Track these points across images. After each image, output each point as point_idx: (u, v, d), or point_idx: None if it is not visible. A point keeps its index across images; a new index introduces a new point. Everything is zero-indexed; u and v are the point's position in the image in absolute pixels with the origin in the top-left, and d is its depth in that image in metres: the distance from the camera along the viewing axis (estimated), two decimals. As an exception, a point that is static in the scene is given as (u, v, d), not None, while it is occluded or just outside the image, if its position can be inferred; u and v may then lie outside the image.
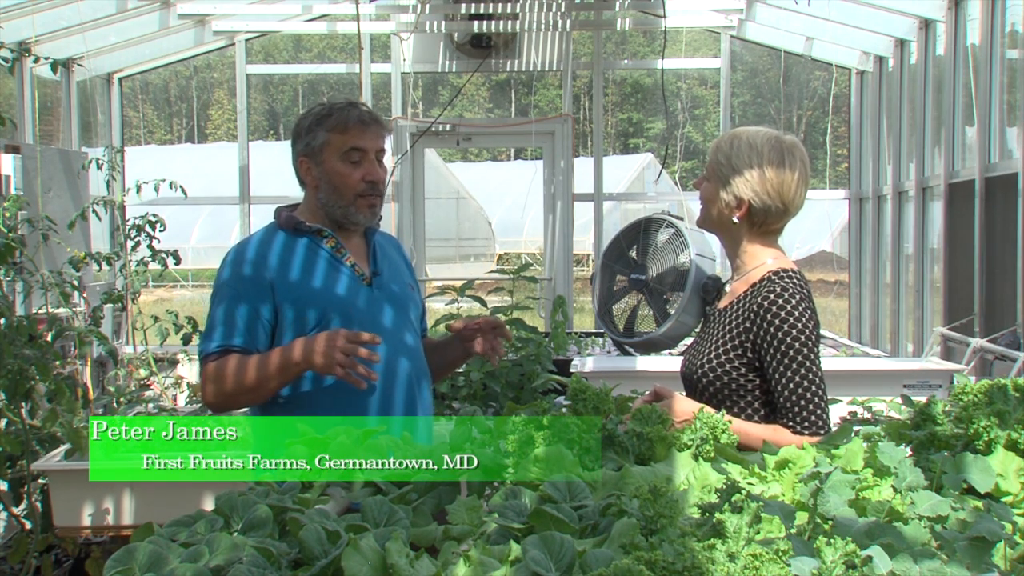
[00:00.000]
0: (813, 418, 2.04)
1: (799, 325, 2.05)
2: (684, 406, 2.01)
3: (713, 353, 2.15)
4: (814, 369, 2.06)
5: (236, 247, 2.37)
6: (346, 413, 2.23)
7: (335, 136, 2.33)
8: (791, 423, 2.04)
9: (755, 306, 2.09)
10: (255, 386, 2.22)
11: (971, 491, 1.45)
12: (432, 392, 2.48)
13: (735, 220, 2.17)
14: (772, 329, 2.06)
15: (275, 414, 2.26)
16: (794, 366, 2.05)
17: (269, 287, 2.27)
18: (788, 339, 2.05)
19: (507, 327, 2.46)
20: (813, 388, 2.05)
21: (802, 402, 2.04)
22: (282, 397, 2.27)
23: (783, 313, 2.06)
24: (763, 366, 2.09)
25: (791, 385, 2.05)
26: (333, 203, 2.35)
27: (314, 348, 2.14)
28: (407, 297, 2.45)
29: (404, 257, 2.59)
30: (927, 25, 6.11)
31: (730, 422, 1.72)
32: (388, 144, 2.42)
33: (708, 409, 1.78)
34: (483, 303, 4.10)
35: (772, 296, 2.08)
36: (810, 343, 2.06)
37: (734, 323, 2.14)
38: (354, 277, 2.35)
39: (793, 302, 2.07)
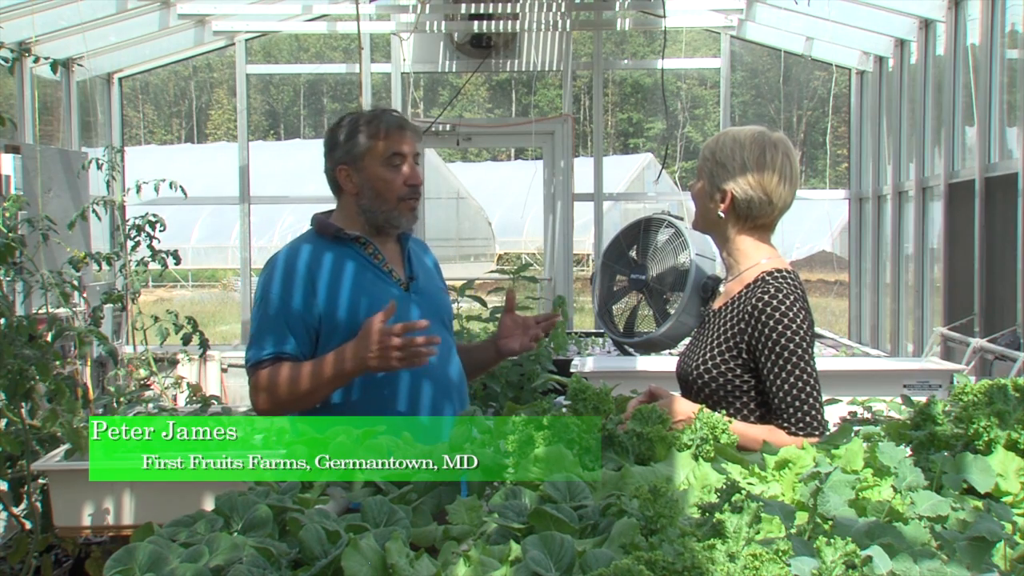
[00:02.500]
0: (808, 419, 2.04)
1: (793, 326, 2.05)
2: (683, 407, 2.01)
3: (708, 354, 2.15)
4: (809, 370, 2.06)
5: (276, 256, 2.41)
6: (387, 413, 2.30)
7: (376, 142, 2.37)
8: (786, 424, 2.05)
9: (749, 307, 2.09)
10: (308, 394, 2.26)
11: (971, 491, 1.45)
12: (468, 392, 2.51)
13: (720, 214, 2.18)
14: (766, 330, 2.05)
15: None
16: (789, 367, 2.05)
17: (313, 297, 2.32)
18: (783, 340, 2.05)
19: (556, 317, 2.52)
20: (808, 389, 2.05)
21: (797, 403, 2.04)
22: (331, 405, 2.32)
23: (777, 314, 2.06)
24: (758, 367, 2.09)
25: (786, 386, 2.05)
26: (376, 208, 2.39)
27: (365, 351, 2.16)
28: (441, 300, 2.51)
29: (433, 260, 2.63)
30: (927, 25, 6.11)
31: (729, 422, 1.72)
32: (419, 146, 2.48)
33: (707, 409, 1.78)
34: (483, 303, 4.10)
35: (766, 297, 2.07)
36: (805, 344, 2.06)
37: (729, 324, 2.14)
38: (393, 283, 2.40)
39: (787, 303, 2.06)
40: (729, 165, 2.14)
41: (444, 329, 2.46)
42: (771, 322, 2.05)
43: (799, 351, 2.05)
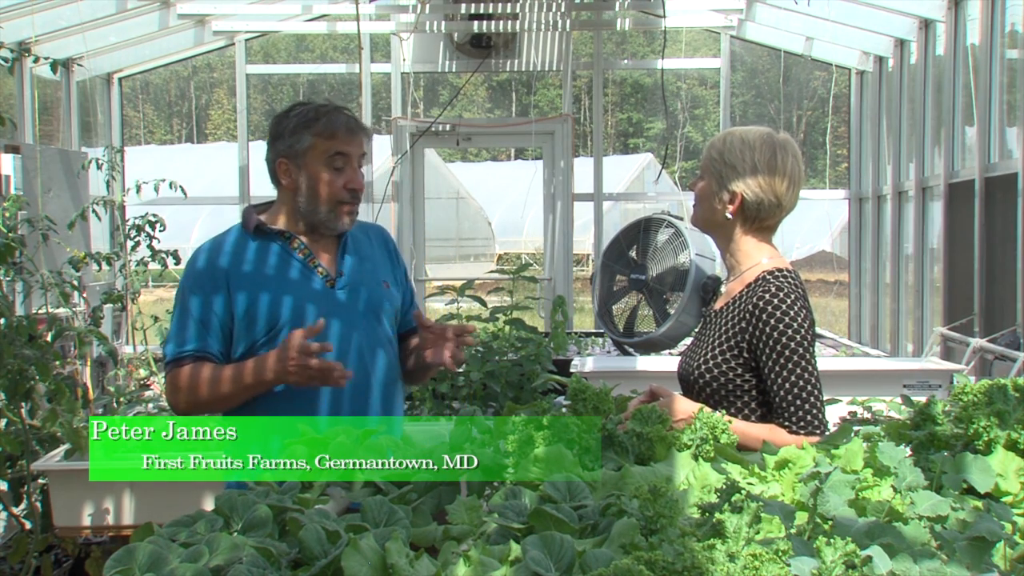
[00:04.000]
0: (809, 418, 2.04)
1: (794, 325, 2.05)
2: (683, 406, 2.01)
3: (710, 354, 2.15)
4: (810, 369, 2.06)
5: (198, 249, 2.35)
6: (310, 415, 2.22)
7: (321, 141, 2.28)
8: (787, 423, 2.04)
9: (751, 306, 2.09)
10: (227, 397, 2.22)
11: (971, 491, 1.45)
12: (401, 392, 2.41)
13: (728, 215, 2.17)
14: (768, 329, 2.05)
15: (244, 412, 2.25)
16: (790, 366, 2.05)
17: (226, 291, 2.25)
18: (784, 339, 2.05)
19: (469, 334, 2.34)
20: (809, 388, 2.05)
21: (798, 402, 2.04)
22: (254, 402, 2.25)
23: (779, 313, 2.06)
24: (759, 366, 2.09)
25: (787, 385, 2.05)
26: (312, 209, 2.31)
27: (284, 366, 2.12)
28: (377, 296, 2.38)
29: (388, 249, 2.51)
30: (927, 25, 6.11)
31: (729, 422, 1.72)
32: (368, 147, 2.41)
33: (707, 409, 1.78)
34: (483, 303, 4.10)
35: (767, 296, 2.07)
36: (806, 343, 2.06)
37: (730, 323, 2.14)
38: (316, 280, 2.31)
39: (788, 301, 2.07)
40: (739, 166, 2.13)
41: (372, 324, 2.35)
42: (772, 321, 2.05)
43: (800, 350, 2.05)
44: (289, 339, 2.11)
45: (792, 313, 2.06)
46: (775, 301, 2.07)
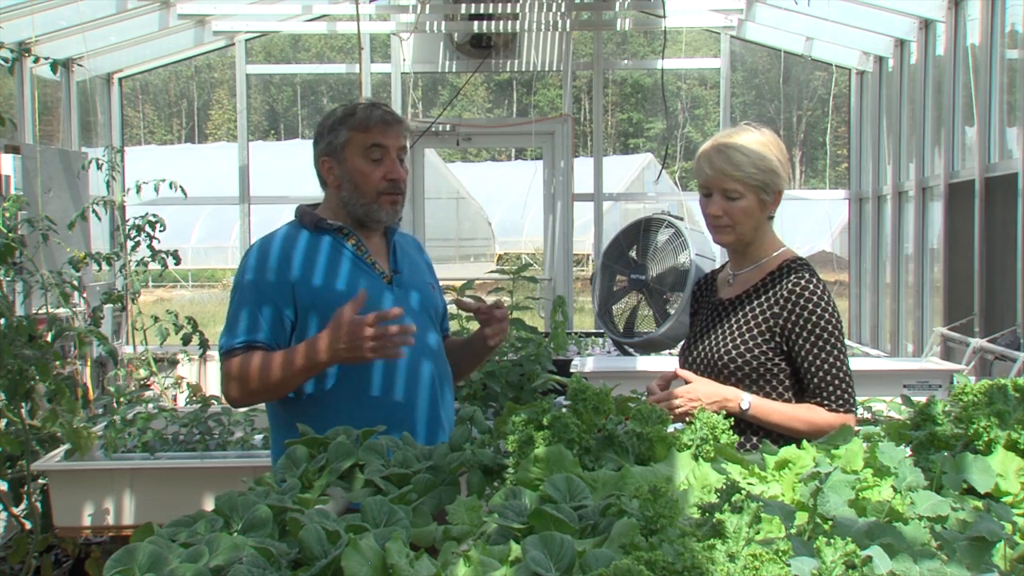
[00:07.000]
0: (846, 396, 2.17)
1: (830, 308, 2.19)
2: (713, 388, 2.17)
3: (740, 339, 2.23)
4: (843, 350, 2.19)
5: (258, 244, 2.37)
6: (369, 412, 2.23)
7: (357, 134, 2.33)
8: (826, 402, 2.16)
9: (785, 292, 2.20)
10: (279, 383, 2.23)
11: (971, 491, 1.45)
12: (454, 392, 2.46)
13: (771, 215, 2.30)
14: (805, 313, 2.17)
15: (297, 412, 2.27)
16: (828, 348, 2.16)
17: (291, 285, 2.28)
18: (821, 322, 2.17)
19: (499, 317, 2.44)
20: (844, 368, 2.18)
21: (836, 381, 2.16)
22: (305, 394, 2.28)
23: (815, 298, 2.18)
24: (791, 349, 2.19)
25: (825, 366, 2.16)
26: (355, 201, 2.34)
27: (337, 342, 2.12)
28: (428, 296, 2.45)
29: (424, 257, 2.59)
30: (927, 25, 6.10)
31: (726, 427, 1.71)
32: (406, 141, 2.42)
33: (731, 394, 2.00)
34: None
35: (802, 283, 2.19)
36: (839, 326, 2.19)
37: (759, 310, 2.23)
38: (376, 276, 2.35)
39: (820, 288, 2.20)
40: (777, 168, 2.25)
41: (430, 322, 2.41)
42: (809, 305, 2.17)
43: (836, 332, 2.18)
44: (338, 315, 2.11)
45: (826, 298, 2.19)
46: (810, 287, 2.19)
